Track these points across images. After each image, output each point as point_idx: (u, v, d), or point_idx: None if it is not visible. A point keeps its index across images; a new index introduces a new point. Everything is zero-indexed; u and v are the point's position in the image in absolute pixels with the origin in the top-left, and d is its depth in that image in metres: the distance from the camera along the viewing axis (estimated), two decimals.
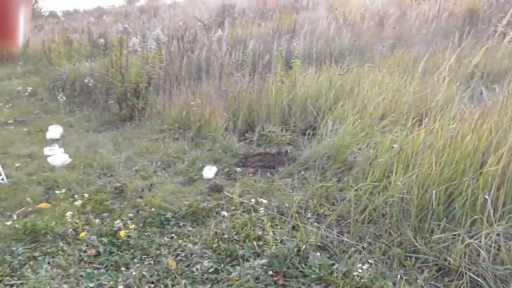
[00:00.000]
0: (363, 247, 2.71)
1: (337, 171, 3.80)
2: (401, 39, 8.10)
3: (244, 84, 5.79)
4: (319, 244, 2.75)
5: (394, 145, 3.49)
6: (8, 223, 3.04)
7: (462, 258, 2.42)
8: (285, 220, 3.05)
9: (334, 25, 8.56)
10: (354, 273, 2.36)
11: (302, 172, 3.96)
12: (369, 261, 2.52)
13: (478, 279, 2.27)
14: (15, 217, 3.20)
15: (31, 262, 2.56)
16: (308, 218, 3.10)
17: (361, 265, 2.41)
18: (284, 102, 5.38)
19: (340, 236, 2.85)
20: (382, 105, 4.73)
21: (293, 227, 2.98)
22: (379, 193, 3.10)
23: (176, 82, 6.47)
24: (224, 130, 5.03)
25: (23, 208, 3.33)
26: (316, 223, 3.04)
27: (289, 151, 4.58)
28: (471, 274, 2.30)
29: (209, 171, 4.00)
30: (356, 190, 3.19)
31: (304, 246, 2.66)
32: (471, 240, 2.44)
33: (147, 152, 4.66)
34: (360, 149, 3.96)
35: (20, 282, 2.40)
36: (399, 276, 2.39)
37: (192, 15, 12.42)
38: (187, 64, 6.93)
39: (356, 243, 2.74)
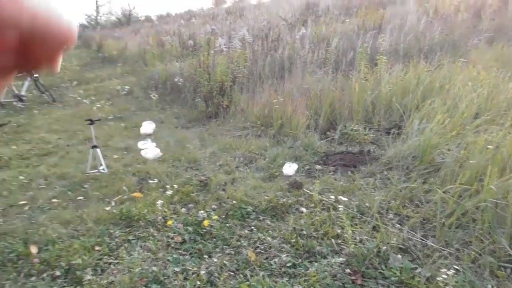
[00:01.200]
0: (449, 252, 2.57)
1: (422, 172, 3.63)
2: (501, 32, 7.48)
3: (326, 82, 5.74)
4: (400, 246, 2.66)
5: (489, 146, 3.26)
6: (107, 209, 3.35)
7: None
8: (365, 220, 2.99)
9: (424, 19, 8.15)
10: (438, 279, 2.25)
11: (385, 172, 3.84)
12: (456, 267, 2.39)
13: None
14: (113, 203, 3.51)
15: (126, 245, 2.80)
16: (390, 219, 3.01)
17: (446, 271, 2.29)
18: (367, 100, 5.24)
19: (424, 239, 2.73)
20: (476, 103, 4.42)
21: (374, 228, 2.91)
22: (469, 197, 2.91)
23: (259, 81, 6.60)
24: (305, 128, 5.05)
25: (120, 196, 3.65)
26: (398, 225, 2.94)
27: (372, 150, 4.46)
28: None
29: (290, 168, 4.03)
30: (443, 192, 3.03)
31: (384, 247, 2.59)
32: None
33: (231, 148, 4.82)
34: (449, 149, 3.74)
35: (116, 261, 2.63)
36: (490, 286, 2.23)
37: (276, 15, 12.54)
38: (270, 63, 7.03)
39: (441, 248, 2.61)
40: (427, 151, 3.78)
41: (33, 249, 2.82)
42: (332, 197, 3.27)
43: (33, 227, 3.16)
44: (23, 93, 8.85)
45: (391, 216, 3.05)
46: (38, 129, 6.58)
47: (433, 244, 2.65)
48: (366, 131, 4.85)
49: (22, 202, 3.70)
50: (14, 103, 8.53)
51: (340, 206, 3.10)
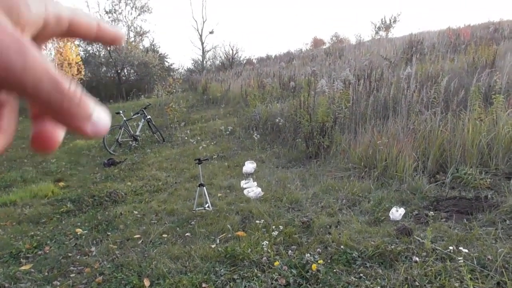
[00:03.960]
0: None
1: None
2: None
3: (435, 123, 5.44)
4: None
5: None
6: (212, 246, 3.46)
7: None
8: (488, 274, 2.69)
9: None
10: None
11: (508, 222, 3.47)
12: None
13: None
14: (218, 241, 3.62)
15: (231, 284, 2.84)
16: None
17: None
18: (483, 142, 4.85)
19: None
20: None
21: (498, 283, 2.61)
22: None
23: (361, 121, 6.48)
24: (412, 170, 4.80)
25: (224, 234, 3.76)
26: None
27: (489, 196, 4.07)
28: None
29: (397, 213, 3.83)
30: None
31: None
32: None
33: (333, 189, 4.74)
34: None
35: None
36: None
37: (378, 54, 12.38)
38: (373, 103, 6.88)
39: None
40: None
41: (146, 282, 2.99)
42: (451, 247, 3.01)
43: (146, 261, 3.36)
44: (137, 133, 9.73)
45: None
46: (149, 167, 7.12)
47: None
48: (482, 175, 4.46)
49: (136, 236, 3.98)
50: (130, 142, 9.39)
51: (458, 258, 2.84)
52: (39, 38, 0.29)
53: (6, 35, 0.23)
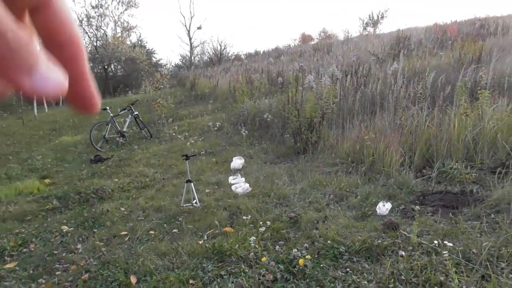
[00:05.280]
0: None
1: None
2: None
3: (421, 118, 5.48)
4: None
5: None
6: (200, 242, 3.45)
7: None
8: (473, 268, 2.72)
9: None
10: None
11: (492, 215, 3.51)
12: None
13: None
14: (205, 237, 3.60)
15: (218, 280, 2.83)
16: (502, 269, 2.70)
17: None
18: (468, 136, 4.90)
19: None
20: None
21: (483, 277, 2.63)
22: None
23: (349, 116, 6.51)
24: (399, 165, 4.83)
25: (212, 230, 3.74)
26: None
27: (475, 190, 4.12)
28: None
29: (383, 207, 3.86)
30: None
31: None
32: None
33: (320, 185, 4.75)
34: None
35: None
36: None
37: (365, 50, 12.43)
38: (361, 98, 6.91)
39: None
40: None
41: (133, 279, 2.97)
42: (436, 242, 3.03)
43: (133, 258, 3.34)
44: (124, 129, 9.64)
45: (503, 265, 2.74)
46: (137, 163, 7.06)
47: None
48: (467, 170, 4.51)
49: (123, 233, 3.95)
50: (117, 138, 9.31)
51: (443, 252, 2.86)
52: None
53: None
